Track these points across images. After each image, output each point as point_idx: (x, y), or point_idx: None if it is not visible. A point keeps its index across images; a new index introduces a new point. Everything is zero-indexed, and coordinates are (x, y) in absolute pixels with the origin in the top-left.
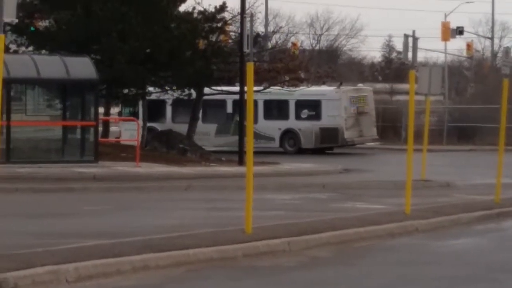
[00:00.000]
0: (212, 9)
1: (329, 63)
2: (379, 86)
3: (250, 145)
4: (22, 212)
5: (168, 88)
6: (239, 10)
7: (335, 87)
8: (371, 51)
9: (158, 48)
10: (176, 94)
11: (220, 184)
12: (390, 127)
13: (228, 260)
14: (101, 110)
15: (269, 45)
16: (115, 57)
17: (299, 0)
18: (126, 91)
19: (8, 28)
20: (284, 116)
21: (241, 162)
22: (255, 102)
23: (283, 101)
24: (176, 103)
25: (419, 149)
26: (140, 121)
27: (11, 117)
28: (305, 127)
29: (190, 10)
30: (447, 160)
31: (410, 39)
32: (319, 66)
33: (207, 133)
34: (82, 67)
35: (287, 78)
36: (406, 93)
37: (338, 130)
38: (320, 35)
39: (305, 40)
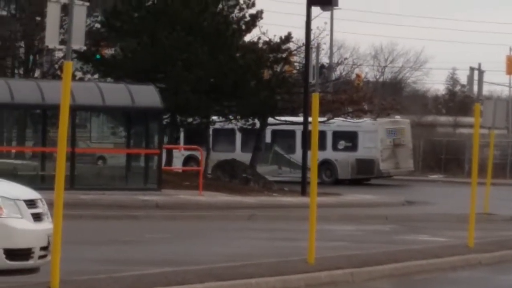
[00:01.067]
0: (277, 39)
1: (393, 95)
2: (443, 119)
3: (314, 176)
4: (85, 239)
5: (232, 118)
6: (303, 41)
7: (372, 119)
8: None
9: (223, 78)
10: (240, 123)
11: (282, 214)
12: (453, 159)
13: None
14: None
15: (334, 76)
16: (180, 86)
17: (364, 32)
18: (190, 119)
19: (74, 55)
20: (322, 146)
21: (303, 192)
22: (293, 133)
23: (320, 132)
24: (216, 131)
25: (482, 182)
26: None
27: (76, 144)
28: (342, 158)
29: (255, 40)
30: (511, 194)
31: (475, 72)
32: (383, 98)
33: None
34: (147, 95)
35: (350, 109)
36: (470, 126)
37: (374, 162)
38: (384, 67)
39: (369, 72)
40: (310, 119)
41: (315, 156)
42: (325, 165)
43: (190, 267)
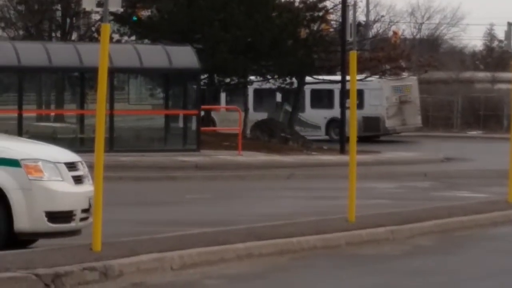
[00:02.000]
0: None
1: (430, 52)
2: (481, 75)
3: (353, 134)
4: (125, 201)
5: (270, 77)
6: None
7: (378, 77)
8: (473, 39)
9: (260, 38)
10: (278, 83)
11: (322, 173)
12: (492, 115)
13: (332, 248)
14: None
15: (371, 34)
16: (217, 47)
17: None
18: (228, 80)
19: (111, 18)
20: (330, 105)
21: (342, 150)
22: (303, 92)
23: (329, 90)
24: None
25: None
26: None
27: (114, 106)
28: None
29: None
30: None
31: None
32: (420, 55)
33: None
34: (184, 56)
35: (388, 67)
36: (508, 81)
37: (380, 119)
38: (421, 24)
39: (406, 29)
40: (348, 77)
41: (354, 114)
42: (334, 123)
43: (230, 227)
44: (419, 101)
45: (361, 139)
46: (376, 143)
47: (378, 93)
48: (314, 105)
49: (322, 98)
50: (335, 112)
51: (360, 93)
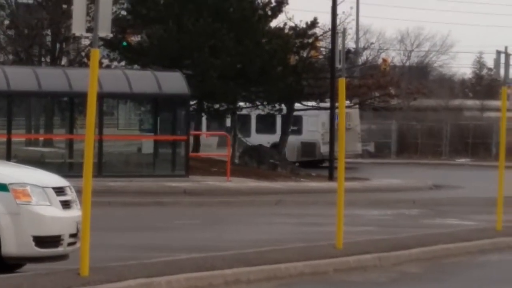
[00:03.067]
0: (303, 25)
1: (420, 79)
2: (470, 102)
3: (341, 160)
4: (114, 226)
5: (259, 103)
6: (329, 26)
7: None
8: (462, 67)
9: (250, 64)
10: (267, 109)
11: (310, 199)
12: (481, 143)
13: (319, 275)
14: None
15: (360, 61)
16: (207, 72)
17: (390, 16)
18: (217, 106)
19: (101, 43)
20: (273, 130)
21: (331, 177)
22: (249, 117)
23: (271, 115)
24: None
25: (510, 166)
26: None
27: (103, 131)
28: (289, 141)
29: (281, 25)
30: None
31: (502, 55)
32: (410, 82)
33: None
34: (173, 82)
35: (377, 94)
36: (497, 109)
37: (316, 145)
38: (411, 51)
39: (395, 56)
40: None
41: (342, 140)
42: (276, 148)
43: (218, 253)
44: (359, 129)
45: (300, 164)
46: (318, 168)
47: (315, 120)
48: (259, 130)
49: (266, 124)
50: (277, 137)
51: (299, 119)
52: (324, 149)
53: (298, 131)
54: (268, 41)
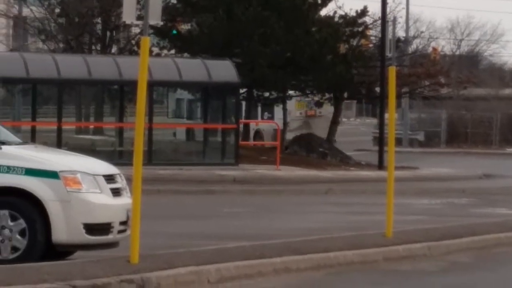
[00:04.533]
0: (353, 13)
1: (470, 68)
2: None
3: (391, 149)
4: (163, 214)
5: (309, 92)
6: (379, 15)
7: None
8: None
9: (299, 52)
10: (317, 97)
11: (360, 188)
12: None
13: (369, 263)
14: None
15: (410, 50)
16: (257, 61)
17: (440, 5)
18: (267, 94)
19: (151, 31)
20: (254, 117)
21: (381, 166)
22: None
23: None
24: None
25: None
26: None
27: (153, 119)
28: (266, 128)
29: (331, 14)
30: None
31: None
32: (460, 71)
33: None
34: (223, 70)
35: (427, 83)
36: None
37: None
38: (461, 40)
39: (445, 45)
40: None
41: (392, 130)
42: (258, 134)
43: (268, 241)
44: None
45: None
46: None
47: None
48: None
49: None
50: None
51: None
52: (290, 135)
53: (272, 118)
54: (318, 30)
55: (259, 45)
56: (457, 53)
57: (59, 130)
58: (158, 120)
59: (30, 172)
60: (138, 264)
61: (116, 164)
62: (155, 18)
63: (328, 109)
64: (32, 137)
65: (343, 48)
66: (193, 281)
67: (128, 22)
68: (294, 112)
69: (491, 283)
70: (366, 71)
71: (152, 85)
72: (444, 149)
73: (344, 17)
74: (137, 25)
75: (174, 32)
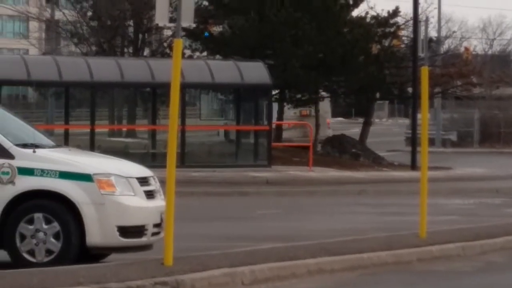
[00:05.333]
0: (385, 13)
1: (502, 67)
2: None
3: (424, 150)
4: (197, 216)
5: (341, 93)
6: (411, 15)
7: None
8: None
9: (331, 53)
10: (349, 98)
11: (393, 189)
12: None
13: (403, 264)
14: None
15: (442, 49)
16: (289, 62)
17: (472, 4)
18: (299, 95)
19: (183, 33)
20: None
21: (413, 166)
22: None
23: None
24: None
25: None
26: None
27: (186, 122)
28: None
29: (363, 15)
30: None
31: None
32: (492, 71)
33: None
34: (255, 72)
35: (459, 83)
36: None
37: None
38: (493, 39)
39: (477, 45)
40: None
41: (425, 129)
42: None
43: (301, 243)
44: (330, 115)
45: None
46: None
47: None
48: None
49: None
50: None
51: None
52: (285, 134)
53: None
54: (349, 31)
55: (291, 47)
56: (489, 52)
57: (92, 133)
58: (191, 122)
59: (64, 175)
60: (172, 266)
61: (149, 166)
62: (188, 20)
63: (324, 108)
64: (66, 140)
65: (375, 48)
66: (227, 283)
67: (160, 24)
68: (288, 112)
69: None
70: (398, 71)
71: (185, 87)
72: (477, 149)
73: (375, 17)
74: (169, 28)
75: (206, 34)
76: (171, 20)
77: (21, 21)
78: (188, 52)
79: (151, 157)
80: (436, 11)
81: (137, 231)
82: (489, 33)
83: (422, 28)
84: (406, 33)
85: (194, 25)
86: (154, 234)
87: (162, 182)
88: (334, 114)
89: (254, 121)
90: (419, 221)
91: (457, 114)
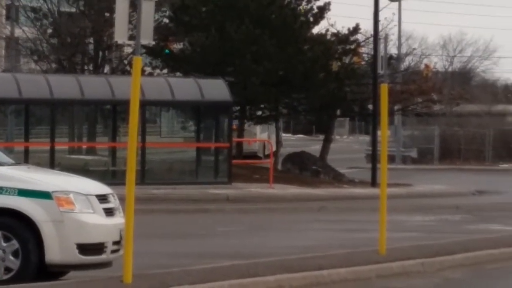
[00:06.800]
0: (345, 31)
1: (462, 84)
2: None
3: (384, 167)
4: (157, 233)
5: (301, 110)
6: (372, 32)
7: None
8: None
9: (292, 70)
10: (309, 116)
11: (353, 206)
12: None
13: (362, 281)
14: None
15: (402, 67)
16: (249, 79)
17: (432, 22)
18: (259, 112)
19: (143, 51)
20: None
21: (374, 183)
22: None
23: None
24: None
25: None
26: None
27: (146, 139)
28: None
29: (323, 32)
30: None
31: None
32: (452, 88)
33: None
34: (216, 89)
35: (420, 100)
36: None
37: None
38: (453, 56)
39: (438, 62)
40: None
41: (385, 145)
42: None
43: (261, 260)
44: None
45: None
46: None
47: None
48: None
49: None
50: None
51: None
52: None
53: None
54: (310, 48)
55: (252, 64)
56: (450, 69)
57: (52, 151)
58: (151, 139)
59: (23, 192)
60: (131, 283)
61: (109, 184)
62: (147, 38)
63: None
64: (25, 158)
65: (335, 65)
66: None
67: (120, 42)
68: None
69: None
70: (358, 88)
71: (145, 104)
72: (437, 165)
73: (336, 35)
74: (129, 45)
75: (167, 51)
76: (131, 37)
77: None
78: (148, 69)
79: (111, 175)
80: (396, 28)
81: (96, 248)
82: (449, 50)
83: (382, 45)
84: (366, 50)
85: (153, 43)
86: (113, 251)
87: (122, 199)
88: (295, 131)
89: (215, 138)
90: (379, 238)
91: (418, 131)
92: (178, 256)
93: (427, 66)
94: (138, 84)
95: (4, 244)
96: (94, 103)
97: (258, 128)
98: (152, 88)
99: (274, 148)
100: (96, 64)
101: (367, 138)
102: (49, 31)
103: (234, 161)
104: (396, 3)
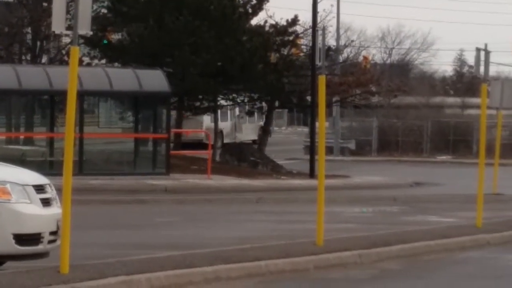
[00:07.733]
0: (284, 22)
1: (400, 77)
2: (451, 100)
3: (322, 158)
4: (94, 224)
5: (240, 101)
6: (310, 24)
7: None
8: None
9: (230, 61)
10: (248, 107)
11: (291, 197)
12: (462, 141)
13: (300, 272)
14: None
15: (341, 58)
16: (187, 70)
17: (370, 14)
18: (198, 103)
19: (81, 41)
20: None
21: (312, 174)
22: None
23: None
24: None
25: (490, 163)
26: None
27: (84, 130)
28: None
29: (262, 23)
30: None
31: (482, 53)
32: (390, 79)
33: None
34: (154, 79)
35: (358, 91)
36: (478, 107)
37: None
38: (392, 49)
39: (376, 54)
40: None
41: (323, 137)
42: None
43: (198, 251)
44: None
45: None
46: None
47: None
48: None
49: None
50: None
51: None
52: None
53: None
54: (248, 39)
55: (190, 55)
56: (388, 61)
57: None
58: (89, 129)
59: None
60: (68, 274)
61: (46, 174)
62: (85, 28)
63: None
64: None
65: (273, 57)
66: None
67: (57, 32)
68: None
69: None
70: (297, 80)
71: (82, 94)
72: (375, 157)
73: (274, 26)
74: (67, 35)
75: (105, 41)
76: (69, 27)
77: None
78: (86, 59)
79: (49, 165)
80: (335, 20)
81: (33, 238)
82: (388, 42)
83: (320, 37)
84: (305, 42)
85: (91, 33)
86: (50, 242)
87: (59, 190)
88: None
89: (153, 129)
90: (316, 229)
91: (356, 122)
92: (115, 246)
93: (365, 58)
94: (76, 74)
95: None
96: (32, 93)
97: (204, 117)
98: (90, 78)
99: (212, 140)
100: (34, 54)
101: (305, 130)
102: None
103: (172, 152)
104: None
